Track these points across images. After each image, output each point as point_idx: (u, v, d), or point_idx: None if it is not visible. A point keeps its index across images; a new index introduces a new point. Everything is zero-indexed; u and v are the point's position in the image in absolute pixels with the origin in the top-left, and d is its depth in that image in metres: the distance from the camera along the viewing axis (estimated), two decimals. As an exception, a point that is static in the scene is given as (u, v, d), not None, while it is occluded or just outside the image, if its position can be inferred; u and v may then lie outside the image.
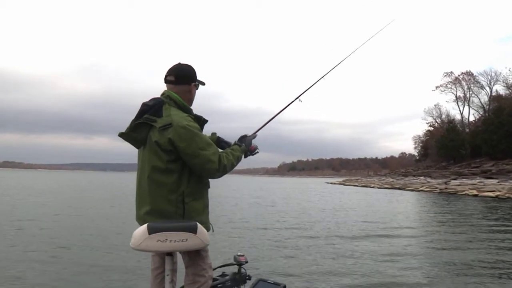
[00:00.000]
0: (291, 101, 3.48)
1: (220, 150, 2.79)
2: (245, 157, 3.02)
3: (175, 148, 2.58)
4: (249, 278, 3.50)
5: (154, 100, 2.74)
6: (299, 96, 3.50)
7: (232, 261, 3.54)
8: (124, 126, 2.75)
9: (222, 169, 2.69)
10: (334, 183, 73.80)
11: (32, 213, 13.36)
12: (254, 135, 3.13)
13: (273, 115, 3.38)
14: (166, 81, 2.83)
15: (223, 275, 3.46)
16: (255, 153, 3.12)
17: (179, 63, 2.87)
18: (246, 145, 3.00)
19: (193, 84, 2.86)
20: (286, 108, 3.48)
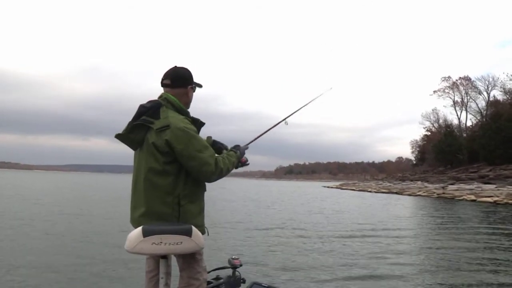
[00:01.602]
0: (278, 122, 3.52)
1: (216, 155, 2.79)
2: (236, 167, 3.01)
3: (172, 150, 2.58)
4: (244, 282, 3.51)
5: (151, 102, 2.75)
6: (286, 118, 3.53)
7: (226, 264, 3.55)
8: (123, 128, 2.75)
9: (219, 172, 2.70)
10: (331, 187, 73.82)
11: (27, 214, 13.33)
12: (246, 147, 3.15)
13: (261, 133, 3.41)
14: (162, 84, 2.84)
15: (218, 278, 3.47)
16: (245, 165, 3.12)
17: (175, 66, 2.88)
18: (240, 153, 3.02)
19: (189, 87, 2.86)
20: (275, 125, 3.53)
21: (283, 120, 3.52)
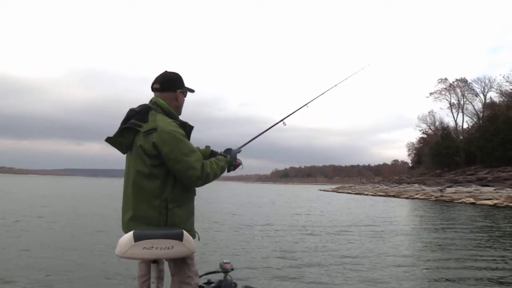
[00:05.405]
0: (276, 122, 3.48)
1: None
2: (228, 171, 3.00)
3: (159, 153, 2.59)
4: (235, 286, 3.49)
5: (141, 106, 2.78)
6: (284, 118, 3.50)
7: (218, 268, 3.54)
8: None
9: (205, 177, 2.68)
10: (328, 190, 73.55)
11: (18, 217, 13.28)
12: (239, 150, 3.12)
13: (258, 134, 3.38)
14: (152, 89, 2.85)
15: (209, 282, 3.45)
16: (238, 168, 3.09)
17: (165, 71, 2.89)
18: (231, 157, 3.00)
19: (178, 91, 2.86)
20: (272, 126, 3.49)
21: (281, 120, 3.48)
